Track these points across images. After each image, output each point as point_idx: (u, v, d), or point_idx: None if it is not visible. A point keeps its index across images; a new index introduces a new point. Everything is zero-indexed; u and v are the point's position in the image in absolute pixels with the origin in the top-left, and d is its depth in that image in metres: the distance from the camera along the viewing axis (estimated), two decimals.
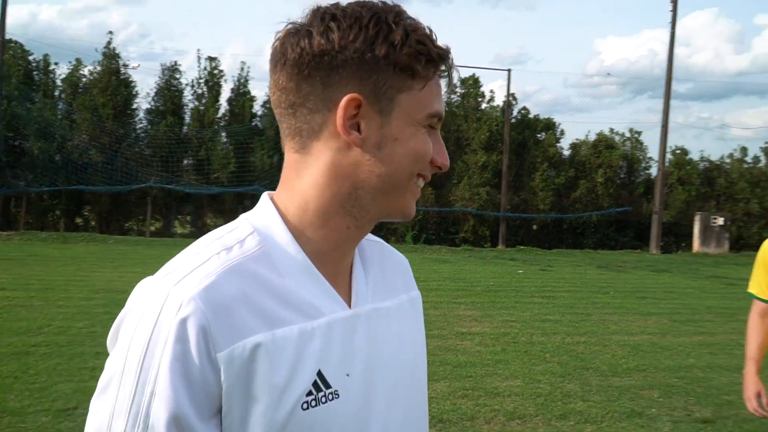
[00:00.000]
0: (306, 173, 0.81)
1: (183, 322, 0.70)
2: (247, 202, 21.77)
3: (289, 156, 0.83)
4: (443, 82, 0.83)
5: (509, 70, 22.36)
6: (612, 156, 22.89)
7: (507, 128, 21.65)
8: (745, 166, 22.86)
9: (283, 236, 0.80)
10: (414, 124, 0.80)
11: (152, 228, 21.48)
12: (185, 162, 21.86)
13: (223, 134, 22.50)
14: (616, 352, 6.72)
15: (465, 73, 23.70)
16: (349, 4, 0.81)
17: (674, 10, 20.73)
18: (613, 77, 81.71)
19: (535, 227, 23.24)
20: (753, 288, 2.84)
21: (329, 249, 0.82)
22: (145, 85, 70.80)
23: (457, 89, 23.83)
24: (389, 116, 0.79)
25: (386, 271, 0.95)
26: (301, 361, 0.76)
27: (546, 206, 21.95)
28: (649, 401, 5.12)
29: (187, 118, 22.24)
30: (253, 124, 22.60)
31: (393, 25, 0.78)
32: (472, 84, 23.82)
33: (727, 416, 4.82)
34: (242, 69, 22.81)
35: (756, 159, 23.00)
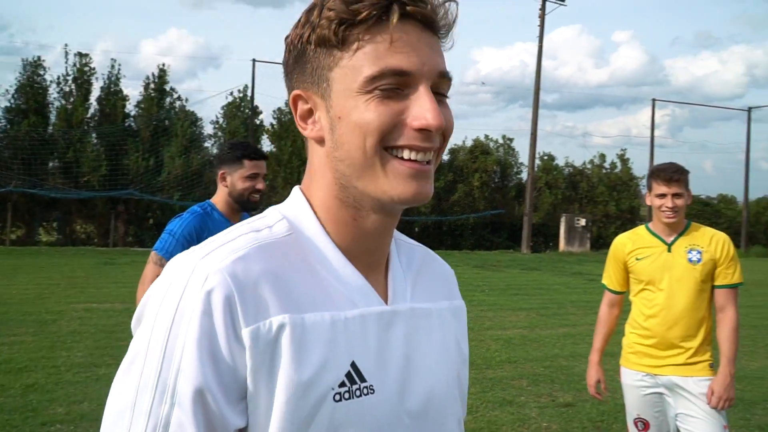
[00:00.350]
0: (318, 171, 0.79)
1: (209, 294, 0.67)
2: (121, 206, 20.65)
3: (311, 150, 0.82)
4: (406, 27, 0.71)
5: None
6: (487, 161, 24.16)
7: None
8: (604, 171, 25.02)
9: (313, 225, 0.77)
10: (353, 96, 0.72)
11: (13, 236, 19.77)
12: (51, 165, 20.37)
13: (94, 135, 21.23)
14: (490, 346, 7.16)
15: None
16: None
17: (542, 25, 22.30)
18: (488, 86, 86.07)
19: (416, 229, 23.99)
20: (605, 280, 3.22)
21: (351, 244, 0.78)
22: (4, 81, 64.81)
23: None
24: (329, 98, 0.74)
25: (428, 274, 0.89)
26: (334, 350, 0.72)
27: (427, 209, 22.74)
28: (518, 390, 5.52)
29: (53, 118, 20.75)
30: (126, 124, 21.53)
31: (315, 9, 0.73)
32: None
33: (586, 399, 5.30)
34: (113, 66, 21.69)
35: (613, 165, 25.25)
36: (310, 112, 0.77)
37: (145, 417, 0.66)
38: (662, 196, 2.99)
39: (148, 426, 0.66)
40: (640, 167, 28.11)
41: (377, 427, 0.73)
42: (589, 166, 24.79)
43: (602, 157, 25.01)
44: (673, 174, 2.98)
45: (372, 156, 0.72)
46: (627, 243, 3.12)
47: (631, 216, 24.93)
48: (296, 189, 0.82)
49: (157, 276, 0.80)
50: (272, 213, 0.79)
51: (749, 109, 25.66)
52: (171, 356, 0.67)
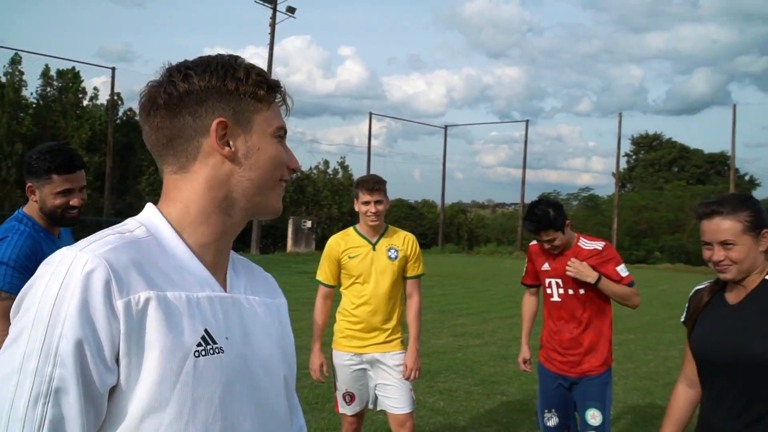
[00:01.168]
0: (186, 186, 1.00)
1: (89, 275, 0.84)
2: None
3: (168, 178, 1.02)
4: (282, 108, 1.07)
5: (113, 68, 21.23)
6: None
7: (111, 129, 20.66)
8: (328, 176, 26.72)
9: (166, 230, 0.98)
10: (269, 136, 1.02)
11: None
12: None
13: None
14: None
15: (63, 65, 21.71)
16: (196, 59, 1.03)
17: (272, 33, 22.97)
18: None
19: None
20: (320, 276, 3.57)
21: (210, 241, 1.01)
22: None
23: (54, 82, 21.64)
24: (250, 133, 1.01)
25: (254, 276, 1.14)
26: (191, 319, 0.92)
27: None
28: None
29: None
30: None
31: (236, 66, 1.01)
32: (72, 78, 21.98)
33: (304, 386, 5.88)
34: None
35: (335, 171, 27.11)
36: (222, 138, 0.99)
37: (32, 377, 0.80)
38: (366, 203, 3.41)
39: (35, 384, 0.79)
40: (359, 173, 30.62)
41: (227, 378, 0.95)
42: (315, 171, 26.25)
43: (326, 163, 26.74)
44: (374, 184, 3.42)
45: (276, 180, 1.04)
46: (341, 243, 3.51)
47: (352, 219, 26.99)
48: (149, 205, 1.03)
49: (7, 310, 1.01)
50: (131, 222, 0.99)
51: (445, 127, 29.86)
52: (55, 324, 0.81)
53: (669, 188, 31.86)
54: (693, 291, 2.29)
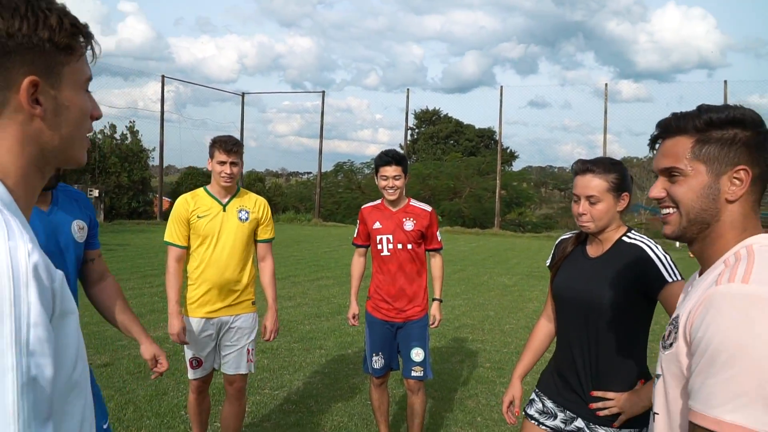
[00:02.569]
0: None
1: (30, 258, 0.81)
2: None
3: None
4: (89, 52, 0.99)
5: None
6: None
7: None
8: (115, 142, 24.73)
9: (4, 194, 0.89)
10: (78, 89, 0.96)
11: None
12: None
13: None
14: None
15: None
16: None
17: None
18: None
19: None
20: (168, 237, 3.43)
21: (22, 193, 0.94)
22: None
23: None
24: (60, 87, 0.93)
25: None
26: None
27: None
28: None
29: None
30: None
31: (48, 12, 0.89)
32: None
33: (122, 357, 5.82)
34: None
35: (123, 136, 25.17)
36: (32, 95, 0.90)
37: (12, 371, 0.76)
38: (222, 163, 3.37)
39: (17, 376, 0.76)
40: (150, 140, 28.81)
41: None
42: (99, 136, 24.15)
43: (113, 127, 24.68)
44: (232, 146, 3.39)
45: (83, 133, 0.99)
46: (189, 202, 3.43)
47: (143, 187, 25.44)
48: None
49: None
50: None
51: (243, 94, 29.41)
52: (20, 317, 0.78)
53: (447, 159, 35.08)
54: (558, 240, 2.55)
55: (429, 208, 3.89)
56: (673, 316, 1.30)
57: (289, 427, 4.36)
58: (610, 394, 2.20)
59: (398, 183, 3.74)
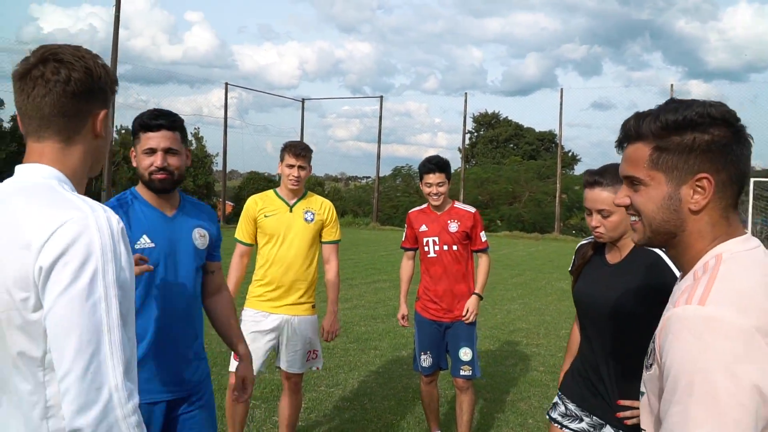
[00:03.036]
0: (73, 155, 1.32)
1: (119, 223, 1.23)
2: None
3: (54, 144, 1.30)
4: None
5: None
6: None
7: None
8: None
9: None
10: (109, 119, 1.40)
11: None
12: None
13: None
14: None
15: None
16: (64, 46, 1.29)
17: None
18: None
19: None
20: (237, 235, 3.67)
21: (78, 189, 1.37)
22: None
23: None
24: (107, 118, 1.37)
25: None
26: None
27: None
28: None
29: None
30: None
31: (107, 68, 1.35)
32: None
33: None
34: None
35: (189, 143, 26.09)
36: (101, 122, 1.35)
37: (115, 298, 1.17)
38: (291, 166, 3.56)
39: (114, 304, 1.17)
40: (213, 146, 29.78)
41: None
42: None
43: None
44: (301, 150, 3.58)
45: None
46: (258, 202, 3.64)
47: (207, 191, 26.29)
48: (50, 170, 1.31)
49: None
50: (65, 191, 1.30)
51: (303, 100, 30.04)
52: (118, 261, 1.20)
53: (506, 163, 34.74)
54: (578, 245, 2.58)
55: (473, 210, 3.98)
56: (656, 331, 1.21)
57: (344, 422, 4.51)
58: (637, 403, 2.17)
59: (442, 189, 3.85)
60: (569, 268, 2.57)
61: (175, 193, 2.37)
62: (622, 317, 2.19)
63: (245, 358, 2.54)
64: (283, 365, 3.70)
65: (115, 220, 1.22)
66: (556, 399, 2.55)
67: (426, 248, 3.94)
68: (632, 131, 1.25)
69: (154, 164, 2.23)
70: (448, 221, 3.90)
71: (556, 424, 2.49)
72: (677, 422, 1.04)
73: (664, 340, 1.11)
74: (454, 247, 3.89)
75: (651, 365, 1.20)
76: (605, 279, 2.30)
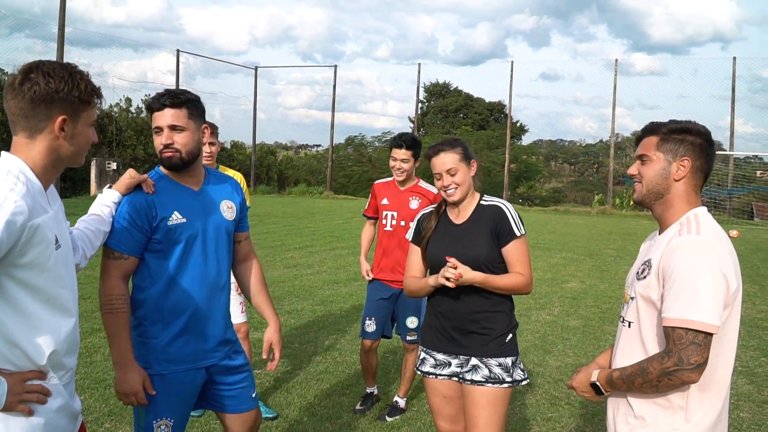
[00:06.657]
0: (35, 148, 1.67)
1: (19, 215, 1.54)
2: None
3: (21, 139, 1.67)
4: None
5: None
6: None
7: None
8: (131, 116, 25.14)
9: (32, 176, 1.66)
10: (87, 126, 1.74)
11: None
12: None
13: None
14: None
15: None
16: (51, 63, 1.66)
17: None
18: None
19: None
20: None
21: (46, 184, 1.71)
22: None
23: None
24: (77, 123, 1.70)
25: (55, 198, 1.81)
26: (49, 228, 1.65)
27: None
28: None
29: None
30: None
31: (79, 80, 1.68)
32: None
33: None
34: None
35: (139, 110, 25.55)
36: (61, 125, 1.66)
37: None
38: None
39: None
40: None
41: (64, 262, 1.75)
42: (116, 109, 24.57)
43: (128, 101, 25.08)
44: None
45: (86, 150, 1.79)
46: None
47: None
48: (11, 155, 1.68)
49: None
50: (11, 168, 1.64)
51: (256, 68, 29.67)
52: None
53: (457, 133, 35.31)
54: (421, 215, 2.82)
55: (435, 190, 4.01)
56: (645, 259, 1.93)
57: (320, 373, 4.98)
58: (459, 264, 2.49)
59: (405, 166, 4.06)
60: (408, 237, 2.85)
61: (199, 168, 2.45)
62: (473, 263, 2.53)
63: (273, 322, 2.65)
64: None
65: (12, 199, 1.54)
66: (422, 354, 2.77)
67: (384, 221, 4.15)
68: (650, 129, 1.98)
69: (162, 143, 2.33)
70: (410, 198, 4.09)
71: (430, 376, 2.73)
72: (683, 302, 1.71)
73: (672, 256, 1.78)
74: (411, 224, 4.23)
75: (645, 277, 1.88)
76: (458, 235, 2.65)
